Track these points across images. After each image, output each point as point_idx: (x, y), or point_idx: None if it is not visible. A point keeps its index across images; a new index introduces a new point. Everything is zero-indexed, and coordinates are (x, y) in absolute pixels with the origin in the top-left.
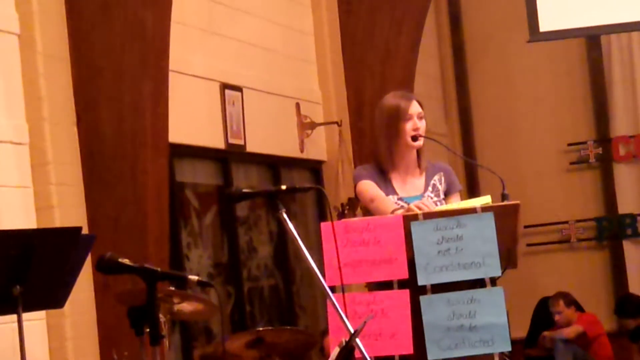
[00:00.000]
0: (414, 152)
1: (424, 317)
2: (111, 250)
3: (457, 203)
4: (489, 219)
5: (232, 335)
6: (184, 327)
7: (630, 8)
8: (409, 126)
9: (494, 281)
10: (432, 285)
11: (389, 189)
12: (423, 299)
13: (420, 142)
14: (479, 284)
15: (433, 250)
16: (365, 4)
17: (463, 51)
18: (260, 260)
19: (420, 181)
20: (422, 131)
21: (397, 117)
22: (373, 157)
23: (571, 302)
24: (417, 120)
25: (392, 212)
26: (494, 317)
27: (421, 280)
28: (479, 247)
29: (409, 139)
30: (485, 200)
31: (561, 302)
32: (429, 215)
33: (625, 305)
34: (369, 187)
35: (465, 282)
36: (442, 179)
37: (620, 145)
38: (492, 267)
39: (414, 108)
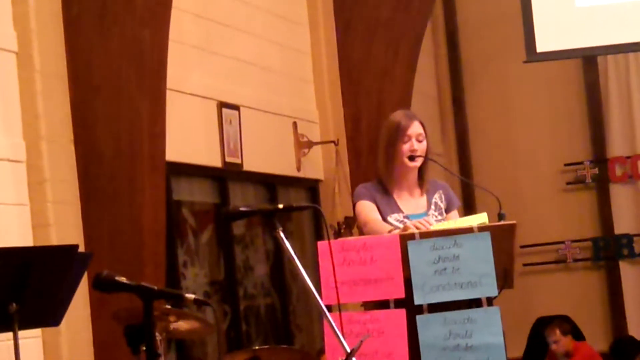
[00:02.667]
0: (415, 172)
1: (420, 337)
2: (108, 268)
3: (454, 220)
4: (486, 239)
5: (228, 354)
6: (180, 346)
7: (627, 29)
8: (406, 147)
9: (490, 301)
10: (429, 305)
11: (393, 206)
12: (419, 318)
13: (417, 163)
14: (475, 303)
15: (430, 269)
16: (363, 23)
17: (460, 71)
18: (257, 278)
19: (422, 200)
20: (420, 153)
21: (396, 137)
22: (376, 174)
23: (567, 330)
24: (415, 141)
25: (388, 232)
26: (490, 337)
27: (418, 300)
28: (476, 267)
29: (406, 160)
30: (481, 217)
31: (557, 331)
32: (425, 235)
33: (620, 348)
34: (365, 210)
35: (462, 302)
36: (442, 196)
37: (616, 165)
38: (489, 287)
39: (414, 129)
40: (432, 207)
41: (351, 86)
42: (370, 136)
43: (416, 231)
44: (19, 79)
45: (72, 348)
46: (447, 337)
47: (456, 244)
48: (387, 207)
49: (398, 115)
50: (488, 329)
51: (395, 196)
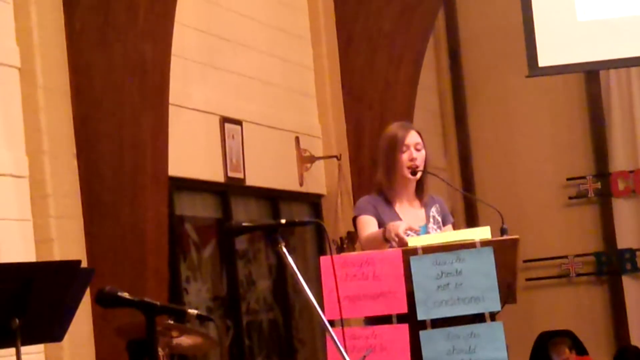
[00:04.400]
0: (414, 184)
1: (423, 352)
2: (110, 284)
3: (458, 231)
4: (489, 254)
5: None
6: None
7: (629, 43)
8: (405, 157)
9: (493, 316)
10: (432, 320)
11: (394, 218)
12: (423, 333)
13: (418, 176)
14: (478, 318)
15: (433, 285)
16: (365, 38)
17: (462, 86)
18: (260, 294)
19: (421, 212)
20: (419, 161)
21: (394, 147)
22: (377, 186)
23: (571, 346)
24: (414, 150)
25: (383, 234)
26: (494, 352)
27: (421, 315)
28: (479, 282)
29: (406, 172)
30: (484, 232)
31: (567, 350)
32: (428, 250)
33: (625, 357)
34: (365, 226)
35: (465, 317)
36: (439, 210)
37: (619, 180)
38: (492, 302)
39: (411, 138)
40: (431, 220)
41: (353, 101)
42: (372, 151)
43: (418, 245)
44: (22, 94)
45: None
46: (450, 352)
47: (459, 259)
48: (389, 218)
49: (394, 127)
50: (492, 344)
51: (396, 207)
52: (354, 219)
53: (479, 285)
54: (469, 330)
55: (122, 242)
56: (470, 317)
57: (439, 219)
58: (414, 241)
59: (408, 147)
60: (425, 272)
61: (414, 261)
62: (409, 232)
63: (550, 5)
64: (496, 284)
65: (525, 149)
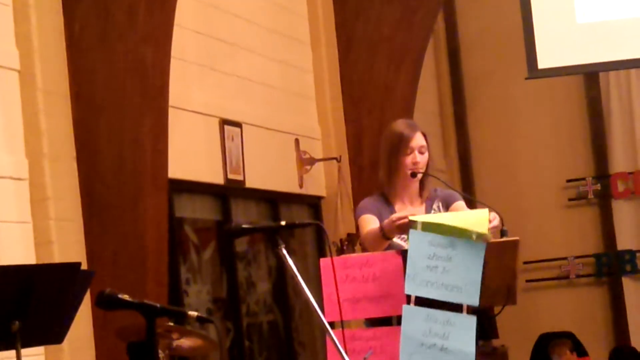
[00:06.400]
0: (417, 183)
1: (402, 327)
2: (110, 286)
3: (457, 212)
4: (480, 249)
5: None
6: None
7: (628, 45)
8: (408, 160)
9: (471, 309)
10: (416, 297)
11: None
12: (405, 308)
13: (419, 177)
14: (458, 308)
15: (423, 263)
16: (365, 40)
17: (462, 88)
18: (259, 295)
19: (421, 211)
20: (422, 165)
21: (398, 149)
22: (378, 186)
23: (572, 348)
24: (417, 153)
25: (380, 229)
26: (463, 345)
27: (407, 290)
28: (464, 273)
29: (408, 174)
30: (482, 214)
31: (567, 352)
32: (427, 227)
33: (620, 357)
34: (365, 223)
35: (448, 304)
36: (440, 205)
37: (619, 181)
38: (470, 295)
39: (416, 141)
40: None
41: (353, 103)
42: (372, 153)
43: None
44: (22, 97)
45: None
46: (426, 333)
47: (452, 245)
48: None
49: (400, 126)
50: (463, 336)
51: (396, 207)
52: (357, 220)
53: (464, 276)
54: (447, 316)
55: (122, 244)
56: (452, 305)
57: (442, 212)
58: (415, 218)
59: (412, 149)
60: (420, 248)
61: (412, 234)
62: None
63: (549, 7)
64: (479, 279)
65: (524, 151)
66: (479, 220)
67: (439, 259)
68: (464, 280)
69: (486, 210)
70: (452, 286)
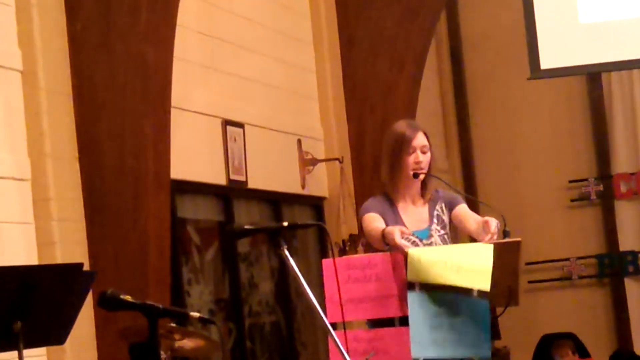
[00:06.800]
0: (418, 183)
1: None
2: (112, 287)
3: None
4: (484, 305)
5: None
6: None
7: (631, 46)
8: (411, 159)
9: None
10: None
11: (398, 221)
12: (411, 294)
13: (421, 178)
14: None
15: (426, 323)
16: (367, 40)
17: (464, 87)
18: (262, 296)
19: (424, 212)
20: (424, 164)
21: (401, 148)
22: (380, 187)
23: (574, 349)
24: (420, 153)
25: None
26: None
27: (415, 354)
28: (471, 331)
29: (411, 174)
30: (486, 250)
31: (569, 352)
32: (426, 287)
33: None
34: (369, 221)
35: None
36: (443, 206)
37: (621, 182)
38: (483, 349)
39: (418, 141)
40: (435, 220)
41: (355, 103)
42: (374, 153)
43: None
44: (24, 96)
45: None
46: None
47: (454, 302)
48: (391, 219)
49: (402, 126)
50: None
51: (399, 209)
52: (360, 219)
53: (472, 332)
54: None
55: (124, 245)
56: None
57: (445, 217)
58: (414, 251)
59: (415, 149)
60: (420, 310)
61: (411, 296)
62: (406, 237)
63: (552, 7)
64: (489, 334)
65: (527, 151)
66: (481, 268)
67: (442, 315)
68: (473, 337)
69: (491, 246)
70: (460, 341)
